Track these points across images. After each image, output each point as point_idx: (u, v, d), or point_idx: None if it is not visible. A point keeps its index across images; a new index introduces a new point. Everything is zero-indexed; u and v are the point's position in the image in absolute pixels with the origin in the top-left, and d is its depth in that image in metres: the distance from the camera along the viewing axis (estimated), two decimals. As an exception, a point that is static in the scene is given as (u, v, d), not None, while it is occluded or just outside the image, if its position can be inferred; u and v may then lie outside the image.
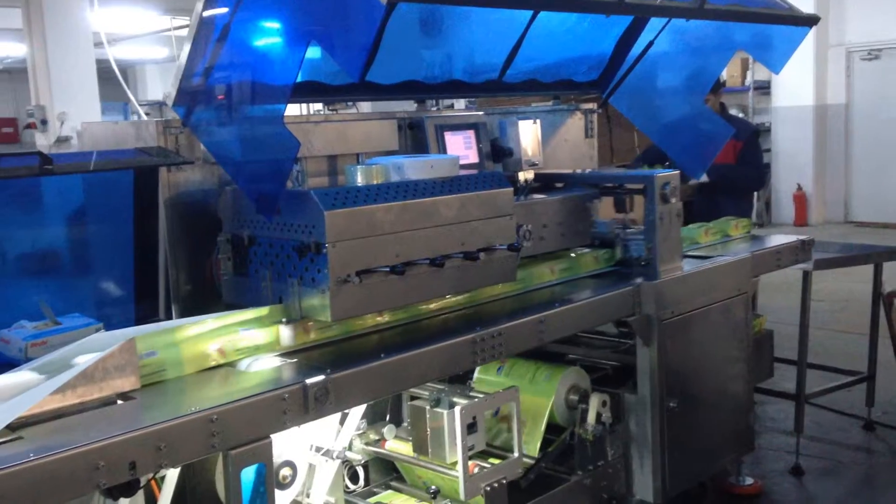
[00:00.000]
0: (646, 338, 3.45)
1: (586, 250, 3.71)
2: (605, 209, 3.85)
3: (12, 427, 2.01)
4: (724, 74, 12.41)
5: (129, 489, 2.15)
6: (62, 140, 9.85)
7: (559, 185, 3.79)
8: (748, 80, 13.34)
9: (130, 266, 2.99)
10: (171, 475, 2.45)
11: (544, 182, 3.78)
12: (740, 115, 11.39)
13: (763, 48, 4.25)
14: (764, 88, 13.34)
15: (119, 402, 2.22)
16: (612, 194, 3.80)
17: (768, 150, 12.84)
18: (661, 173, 3.56)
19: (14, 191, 2.88)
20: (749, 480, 4.28)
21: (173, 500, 2.46)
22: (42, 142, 10.28)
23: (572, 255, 3.64)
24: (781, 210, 13.25)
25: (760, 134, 6.08)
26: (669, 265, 3.56)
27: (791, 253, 4.31)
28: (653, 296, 3.41)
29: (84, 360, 2.18)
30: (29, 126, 11.10)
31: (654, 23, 4.08)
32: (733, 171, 5.32)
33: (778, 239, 4.40)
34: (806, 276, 4.61)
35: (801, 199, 12.96)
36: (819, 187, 13.04)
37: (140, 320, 2.89)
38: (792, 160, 12.97)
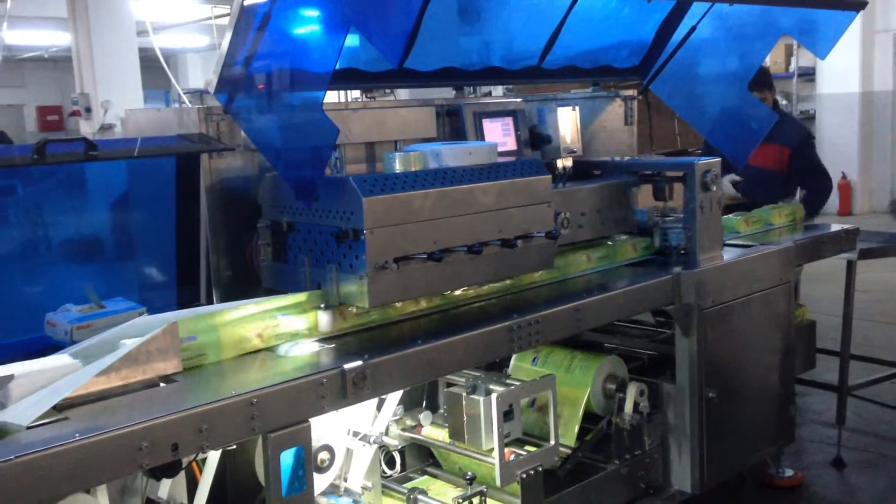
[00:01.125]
0: (685, 327, 3.42)
1: (625, 237, 3.68)
2: (646, 197, 3.82)
3: (58, 408, 2.05)
4: (768, 61, 12.19)
5: (171, 470, 2.20)
6: (106, 127, 10.01)
7: (597, 172, 3.76)
8: (792, 67, 13.11)
9: (172, 251, 3.04)
10: (212, 458, 2.48)
11: (582, 169, 3.76)
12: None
13: (808, 33, 4.17)
14: (808, 75, 13.10)
15: (161, 384, 2.26)
16: (651, 182, 3.77)
17: (812, 139, 12.61)
18: (703, 160, 3.52)
19: (60, 177, 2.93)
20: (789, 472, 4.24)
21: (214, 482, 2.50)
22: (86, 129, 10.46)
23: (610, 242, 3.61)
24: (825, 199, 13.00)
25: (813, 138, 5.59)
26: (709, 254, 3.52)
27: (835, 242, 4.23)
28: (693, 285, 3.38)
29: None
30: (74, 114, 11.29)
31: (697, 7, 4.02)
32: (805, 186, 5.10)
33: (821, 228, 4.33)
34: (850, 265, 4.53)
35: (845, 189, 12.71)
36: (864, 176, 12.79)
37: (182, 305, 2.94)
38: (836, 148, 12.71)
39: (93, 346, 2.32)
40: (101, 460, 1.91)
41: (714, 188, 3.51)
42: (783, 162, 5.08)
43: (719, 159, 3.59)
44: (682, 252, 3.54)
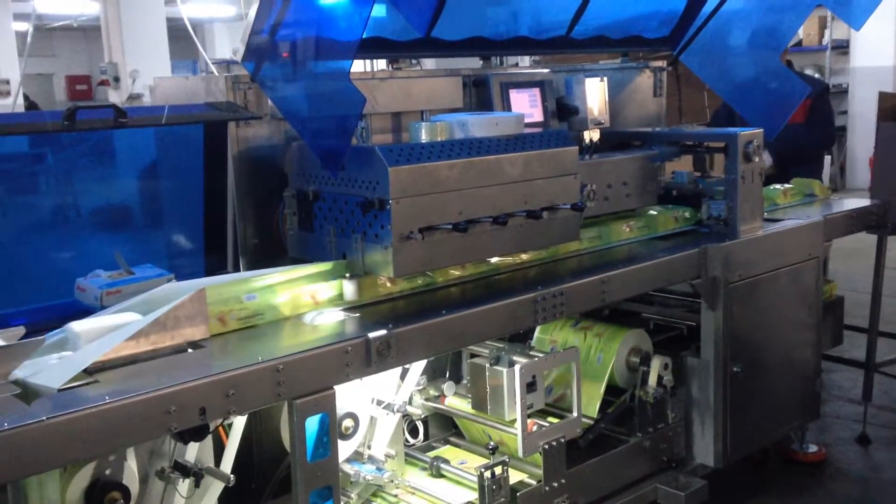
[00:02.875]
0: (711, 301, 3.40)
1: (660, 209, 3.65)
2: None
3: (89, 371, 2.09)
4: (801, 33, 11.94)
5: (198, 434, 2.24)
6: (134, 97, 10.07)
7: (637, 143, 3.73)
8: (825, 39, 12.85)
9: (200, 219, 3.06)
10: (238, 423, 2.52)
11: (620, 140, 3.74)
12: (816, 75, 11.01)
13: (843, 3, 4.08)
14: (842, 48, 12.83)
15: (189, 350, 2.29)
16: (692, 152, 3.74)
17: (844, 112, 12.40)
18: (745, 131, 3.49)
19: (90, 144, 2.96)
20: (813, 448, 4.22)
21: (240, 447, 2.54)
22: (115, 98, 10.51)
23: (651, 213, 3.60)
24: (857, 175, 12.79)
25: (830, 90, 5.79)
26: (750, 224, 3.50)
27: (865, 217, 4.18)
28: (720, 258, 3.35)
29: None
30: (102, 83, 11.35)
31: (729, -23, 3.95)
32: (800, 136, 5.12)
33: (852, 203, 4.27)
34: (880, 241, 4.47)
35: (877, 164, 12.49)
36: (897, 152, 12.53)
37: (209, 272, 2.97)
38: (869, 123, 12.37)
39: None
40: (130, 423, 1.95)
41: (756, 159, 3.49)
42: (805, 113, 5.08)
43: (761, 130, 3.56)
44: (723, 223, 3.52)
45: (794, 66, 5.53)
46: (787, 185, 4.33)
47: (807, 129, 5.17)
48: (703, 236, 3.52)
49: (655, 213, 3.62)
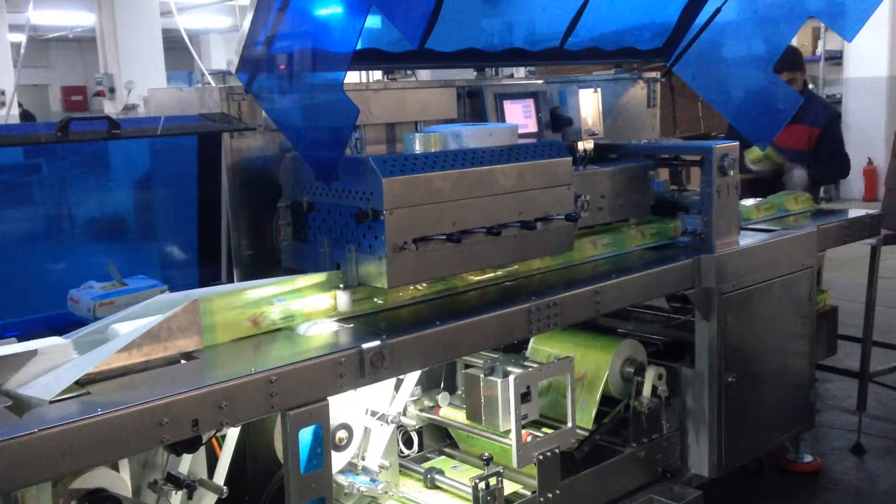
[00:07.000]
0: (705, 311, 3.41)
1: (638, 221, 3.65)
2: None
3: (81, 383, 2.08)
4: (795, 43, 11.99)
5: (191, 445, 2.23)
6: (129, 108, 10.09)
7: (614, 155, 3.73)
8: (819, 50, 12.93)
9: (194, 230, 3.06)
10: (232, 434, 2.51)
11: (599, 152, 3.74)
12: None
13: (836, 15, 4.10)
14: (835, 58, 12.91)
15: (182, 361, 2.28)
16: (668, 166, 3.74)
17: (839, 119, 12.44)
18: (720, 144, 3.49)
19: (84, 155, 2.96)
20: (808, 458, 4.22)
21: (233, 458, 2.53)
22: (110, 109, 10.53)
23: (629, 225, 3.59)
24: (851, 185, 12.85)
25: (840, 117, 5.53)
26: (726, 239, 3.50)
27: (859, 227, 4.20)
28: (713, 269, 3.36)
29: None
30: (97, 94, 11.38)
31: (722, -11, 3.97)
32: (824, 167, 5.03)
33: (845, 213, 4.29)
34: (874, 251, 4.49)
35: (871, 174, 12.54)
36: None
37: (203, 283, 2.97)
38: (863, 133, 12.54)
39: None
40: (122, 435, 1.94)
41: (731, 172, 3.48)
42: (812, 142, 5.00)
43: (737, 143, 3.56)
44: (700, 237, 3.51)
45: (807, 86, 5.45)
46: (762, 201, 4.28)
47: (816, 160, 5.05)
48: (681, 249, 3.50)
49: (631, 226, 3.59)
